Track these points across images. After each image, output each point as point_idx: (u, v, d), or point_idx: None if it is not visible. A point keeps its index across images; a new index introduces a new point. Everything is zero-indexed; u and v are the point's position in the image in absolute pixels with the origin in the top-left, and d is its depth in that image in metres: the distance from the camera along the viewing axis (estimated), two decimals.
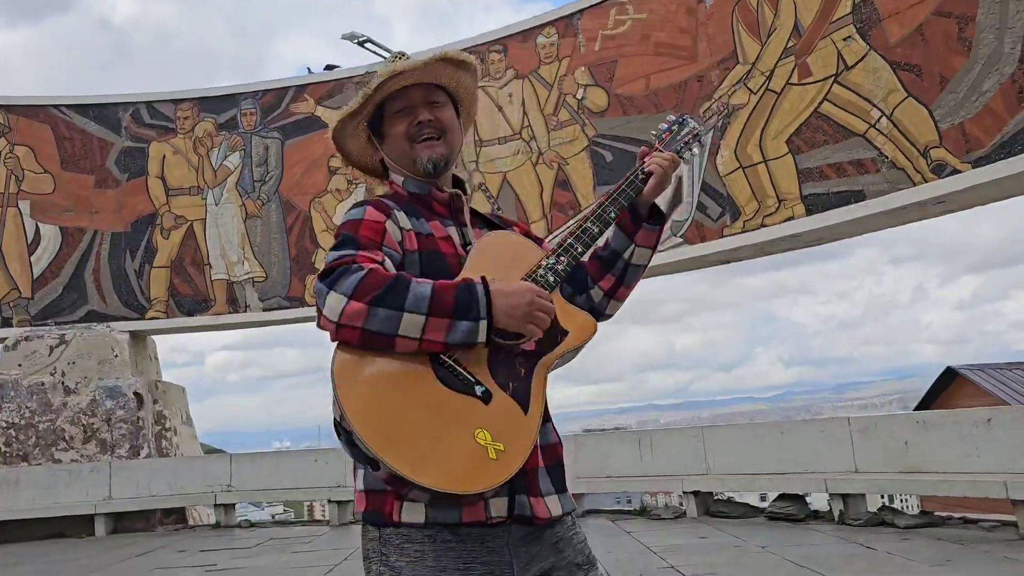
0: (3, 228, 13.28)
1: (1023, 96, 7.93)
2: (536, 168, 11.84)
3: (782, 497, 8.69)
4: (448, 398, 1.64)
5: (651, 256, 2.01)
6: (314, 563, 7.87)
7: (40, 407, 12.34)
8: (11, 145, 13.42)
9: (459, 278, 1.71)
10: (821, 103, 9.45)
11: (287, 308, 13.11)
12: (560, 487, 1.84)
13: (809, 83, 9.63)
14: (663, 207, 2.00)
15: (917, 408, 19.90)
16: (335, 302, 1.60)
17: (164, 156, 13.56)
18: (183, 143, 13.60)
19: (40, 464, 12.07)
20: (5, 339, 12.83)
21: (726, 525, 8.38)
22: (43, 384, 12.46)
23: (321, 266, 1.85)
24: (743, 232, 9.94)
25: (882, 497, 9.17)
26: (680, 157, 2.04)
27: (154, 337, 14.26)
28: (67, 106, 13.66)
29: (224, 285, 13.26)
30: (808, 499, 8.94)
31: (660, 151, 2.02)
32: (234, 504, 12.17)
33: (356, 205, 1.85)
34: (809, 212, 9.34)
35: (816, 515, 8.53)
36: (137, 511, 11.69)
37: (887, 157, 8.87)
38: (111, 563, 8.73)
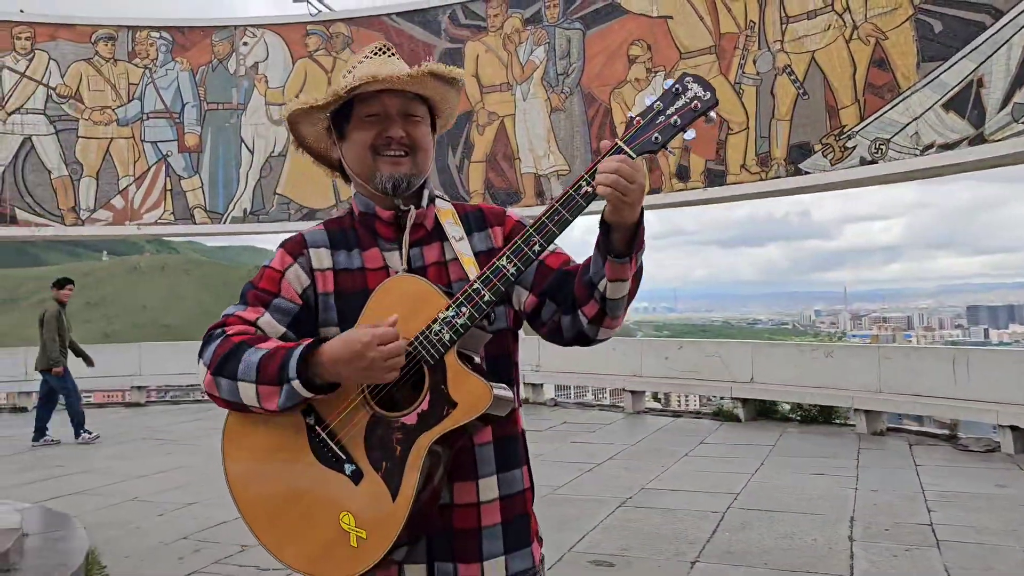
0: None
1: None
2: (849, 44, 10.39)
3: None
4: (320, 474, 1.60)
5: (630, 286, 1.61)
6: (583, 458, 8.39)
7: None
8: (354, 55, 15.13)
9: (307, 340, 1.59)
10: None
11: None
12: (515, 545, 1.72)
13: None
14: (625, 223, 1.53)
15: None
16: (200, 371, 1.64)
17: (478, 55, 14.29)
18: (494, 40, 14.17)
19: None
20: None
21: None
22: None
23: None
24: None
25: None
26: (656, 149, 1.51)
27: None
28: (397, 14, 14.89)
29: (532, 178, 13.92)
30: None
31: (619, 148, 1.51)
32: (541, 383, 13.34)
33: (281, 245, 1.79)
34: None
35: None
36: None
37: None
38: None
